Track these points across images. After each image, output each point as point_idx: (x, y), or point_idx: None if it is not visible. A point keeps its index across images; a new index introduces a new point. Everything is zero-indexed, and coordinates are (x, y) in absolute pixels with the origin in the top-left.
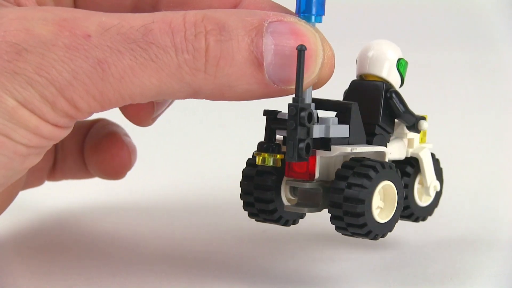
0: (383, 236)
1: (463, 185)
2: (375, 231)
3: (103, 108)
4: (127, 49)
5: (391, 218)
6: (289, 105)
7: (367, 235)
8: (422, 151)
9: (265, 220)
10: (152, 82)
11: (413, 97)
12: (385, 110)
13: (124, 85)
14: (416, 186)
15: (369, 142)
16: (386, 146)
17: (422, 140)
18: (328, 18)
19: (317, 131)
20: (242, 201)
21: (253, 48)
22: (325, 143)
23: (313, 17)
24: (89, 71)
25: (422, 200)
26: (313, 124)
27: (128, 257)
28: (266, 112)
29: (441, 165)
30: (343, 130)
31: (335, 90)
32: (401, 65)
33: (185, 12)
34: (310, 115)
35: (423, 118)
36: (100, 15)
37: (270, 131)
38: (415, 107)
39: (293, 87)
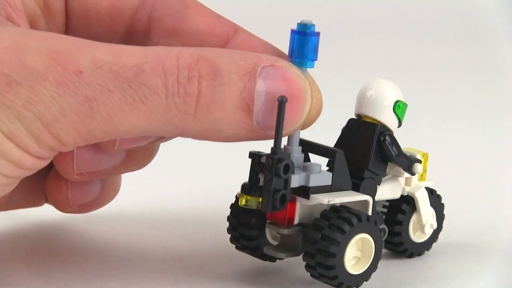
0: (357, 286)
1: (463, 186)
2: (347, 283)
3: (87, 143)
4: (117, 89)
5: (366, 269)
6: (266, 156)
7: (338, 286)
8: (418, 190)
9: (250, 254)
10: (140, 122)
11: (414, 97)
12: (377, 153)
13: (111, 124)
14: (412, 223)
15: (357, 187)
16: (375, 190)
17: (422, 177)
18: (329, 18)
19: (296, 180)
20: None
21: (245, 94)
22: (305, 192)
23: (305, 62)
24: (77, 108)
25: (419, 236)
26: (291, 174)
27: (126, 259)
28: (251, 155)
29: (441, 165)
30: (325, 178)
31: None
32: (398, 107)
33: (179, 52)
34: (287, 167)
35: (418, 160)
36: (93, 49)
37: (254, 173)
38: (415, 107)
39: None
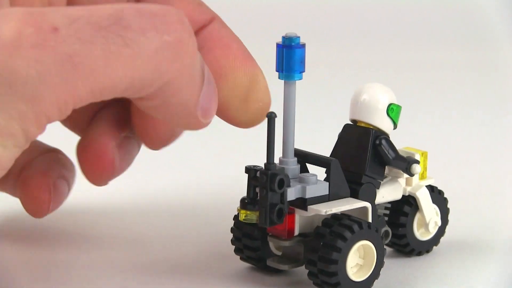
0: None
1: (463, 186)
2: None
3: (71, 110)
4: (98, 38)
5: (368, 277)
6: (260, 172)
7: None
8: (419, 190)
9: (255, 265)
10: (126, 72)
11: (414, 97)
12: (374, 158)
13: (96, 79)
14: (416, 222)
15: (355, 193)
16: (375, 195)
17: (422, 176)
18: (329, 17)
19: (293, 193)
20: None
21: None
22: (303, 203)
23: (293, 75)
24: (59, 70)
25: (424, 234)
26: (287, 187)
27: (128, 257)
28: (247, 170)
29: (441, 165)
30: (322, 188)
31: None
32: (392, 110)
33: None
34: (281, 181)
35: (416, 161)
36: (66, 8)
37: (251, 188)
38: (416, 107)
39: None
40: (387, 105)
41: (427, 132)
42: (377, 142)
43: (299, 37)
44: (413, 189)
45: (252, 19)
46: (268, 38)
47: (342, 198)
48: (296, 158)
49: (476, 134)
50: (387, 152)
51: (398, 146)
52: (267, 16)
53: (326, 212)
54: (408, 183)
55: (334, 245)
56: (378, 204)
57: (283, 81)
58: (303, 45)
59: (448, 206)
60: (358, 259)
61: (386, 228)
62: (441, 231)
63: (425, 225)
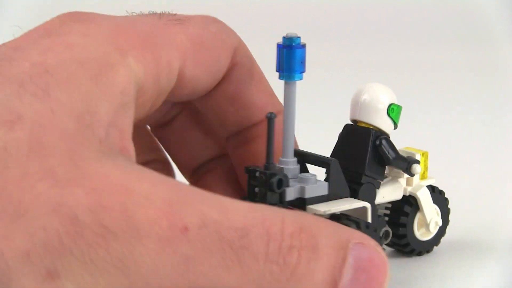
0: None
1: (463, 186)
2: None
3: None
4: (219, 250)
5: None
6: (259, 172)
7: None
8: (420, 190)
9: None
10: (230, 284)
11: (413, 97)
12: (374, 158)
13: (200, 283)
14: (417, 222)
15: (355, 193)
16: (375, 195)
17: (423, 176)
18: (329, 16)
19: (292, 193)
20: None
21: (336, 270)
22: (302, 203)
23: (294, 75)
24: (172, 268)
25: (425, 234)
26: (286, 187)
27: None
28: (247, 170)
29: (441, 165)
30: (321, 188)
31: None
32: (392, 111)
33: (283, 217)
34: (280, 181)
35: (416, 161)
36: (202, 202)
37: (251, 188)
38: (415, 107)
39: None
40: (387, 105)
41: (427, 132)
42: (377, 142)
43: (299, 37)
44: (413, 189)
45: (252, 19)
46: (269, 38)
47: (342, 198)
48: (296, 158)
49: (476, 134)
50: (387, 152)
51: (398, 146)
52: (268, 16)
53: (324, 212)
54: (408, 183)
55: None
56: (378, 204)
57: (283, 81)
58: (304, 46)
59: (449, 206)
60: None
61: (386, 228)
62: (441, 231)
63: (425, 225)
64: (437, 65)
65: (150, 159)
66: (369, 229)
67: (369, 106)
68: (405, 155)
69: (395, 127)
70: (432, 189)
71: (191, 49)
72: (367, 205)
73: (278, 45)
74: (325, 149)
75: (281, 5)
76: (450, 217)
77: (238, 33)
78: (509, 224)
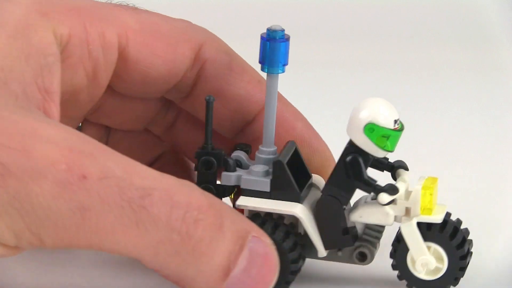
0: None
1: (463, 185)
2: None
3: (67, 248)
4: (117, 206)
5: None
6: (195, 153)
7: None
8: (404, 223)
9: None
10: (127, 246)
11: (413, 97)
12: (341, 173)
13: (98, 239)
14: (410, 258)
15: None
16: (339, 210)
17: (425, 211)
18: (329, 16)
19: (232, 179)
20: None
21: (232, 257)
22: (241, 193)
23: (276, 68)
24: (67, 214)
25: (425, 274)
26: (231, 172)
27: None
28: (196, 154)
29: (440, 165)
30: (262, 184)
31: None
32: (370, 130)
33: (191, 189)
34: (207, 162)
35: (386, 191)
36: (107, 157)
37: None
38: (415, 107)
39: None
40: (364, 123)
41: (427, 131)
42: (347, 159)
43: (283, 30)
44: (400, 221)
45: (248, 17)
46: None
47: (287, 201)
48: (275, 148)
49: (477, 134)
50: (351, 171)
51: (399, 148)
52: (266, 14)
53: (238, 206)
54: (407, 213)
55: None
56: (357, 223)
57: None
58: (288, 39)
59: (448, 208)
60: None
61: (362, 249)
62: (449, 279)
63: (415, 264)
64: (437, 65)
65: (158, 153)
66: (274, 235)
67: (350, 119)
68: (402, 183)
69: (384, 149)
70: (428, 226)
71: (138, 31)
72: (299, 214)
73: (262, 37)
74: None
75: (283, 5)
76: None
77: (229, 28)
78: (509, 224)
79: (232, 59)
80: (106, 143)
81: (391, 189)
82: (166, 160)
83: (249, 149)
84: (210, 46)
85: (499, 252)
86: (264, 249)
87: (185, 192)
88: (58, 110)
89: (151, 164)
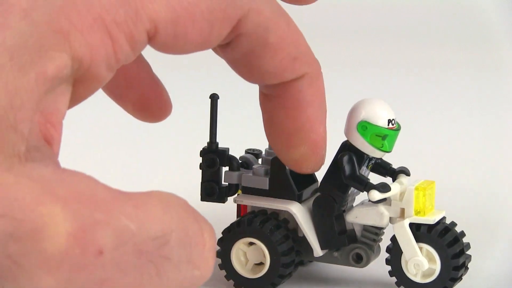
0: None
1: (463, 185)
2: (243, 285)
3: None
4: (136, 267)
5: (264, 274)
6: (200, 150)
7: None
8: (396, 224)
9: None
10: None
11: (413, 97)
12: (335, 171)
13: None
14: (404, 259)
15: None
16: (333, 208)
17: (420, 213)
18: (330, 16)
19: (235, 177)
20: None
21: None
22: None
23: None
24: None
25: (419, 276)
26: (235, 171)
27: None
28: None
29: (440, 165)
30: (260, 182)
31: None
32: (363, 128)
33: (194, 213)
34: (211, 160)
35: (381, 187)
36: (119, 208)
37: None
38: (415, 107)
39: None
40: (357, 121)
41: (427, 131)
42: (339, 156)
43: None
44: (393, 222)
45: None
46: None
47: (285, 198)
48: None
49: (476, 134)
50: (342, 168)
51: (399, 149)
52: None
53: (235, 201)
54: (401, 214)
55: (220, 239)
56: (354, 223)
57: None
58: None
59: (447, 208)
60: (254, 256)
61: (359, 251)
62: (442, 282)
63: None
64: (437, 65)
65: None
66: (251, 227)
67: (346, 119)
68: (398, 184)
69: (380, 150)
70: (417, 227)
71: (169, 22)
72: (293, 210)
73: None
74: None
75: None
76: (451, 217)
77: None
78: (509, 224)
79: (268, 33)
80: None
81: (382, 187)
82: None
83: (259, 153)
84: (249, 20)
85: (499, 252)
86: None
87: (196, 222)
88: (59, 132)
89: None
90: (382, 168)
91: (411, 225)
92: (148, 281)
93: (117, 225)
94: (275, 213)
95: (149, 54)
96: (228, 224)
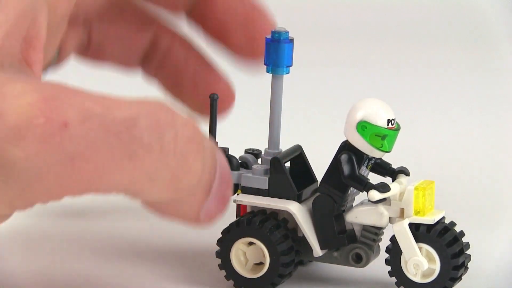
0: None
1: (463, 184)
2: (243, 285)
3: (62, 198)
4: (105, 143)
5: (264, 274)
6: None
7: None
8: (396, 224)
9: None
10: (123, 182)
11: (413, 97)
12: (334, 170)
13: (92, 183)
14: (403, 259)
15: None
16: (333, 208)
17: (419, 213)
18: (330, 16)
19: (234, 177)
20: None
21: (212, 174)
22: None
23: (281, 69)
24: (56, 168)
25: (421, 277)
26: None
27: (128, 257)
28: None
29: (440, 165)
30: (260, 181)
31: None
32: (363, 128)
33: (170, 106)
34: None
35: (381, 187)
36: (83, 97)
37: None
38: (415, 107)
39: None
40: (357, 120)
41: (427, 131)
42: (339, 155)
43: (288, 32)
44: (392, 222)
45: None
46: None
47: (285, 198)
48: (280, 150)
49: (476, 134)
50: (341, 168)
51: (398, 150)
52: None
53: (235, 201)
54: (401, 214)
55: (220, 239)
56: (354, 223)
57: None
58: (292, 40)
59: (447, 207)
60: (254, 257)
61: (358, 251)
62: (442, 281)
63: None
64: (437, 65)
65: None
66: (249, 227)
67: (346, 119)
68: (398, 184)
69: (380, 150)
70: (417, 227)
71: None
72: (293, 209)
73: (266, 39)
74: (327, 151)
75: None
76: (451, 216)
77: None
78: (509, 223)
79: None
80: None
81: (382, 187)
82: None
83: (258, 153)
84: None
85: (499, 252)
86: (226, 164)
87: (168, 112)
88: (39, 56)
89: None
90: (382, 168)
91: (411, 225)
92: (121, 161)
93: (81, 105)
94: (275, 213)
95: None
96: (228, 224)
